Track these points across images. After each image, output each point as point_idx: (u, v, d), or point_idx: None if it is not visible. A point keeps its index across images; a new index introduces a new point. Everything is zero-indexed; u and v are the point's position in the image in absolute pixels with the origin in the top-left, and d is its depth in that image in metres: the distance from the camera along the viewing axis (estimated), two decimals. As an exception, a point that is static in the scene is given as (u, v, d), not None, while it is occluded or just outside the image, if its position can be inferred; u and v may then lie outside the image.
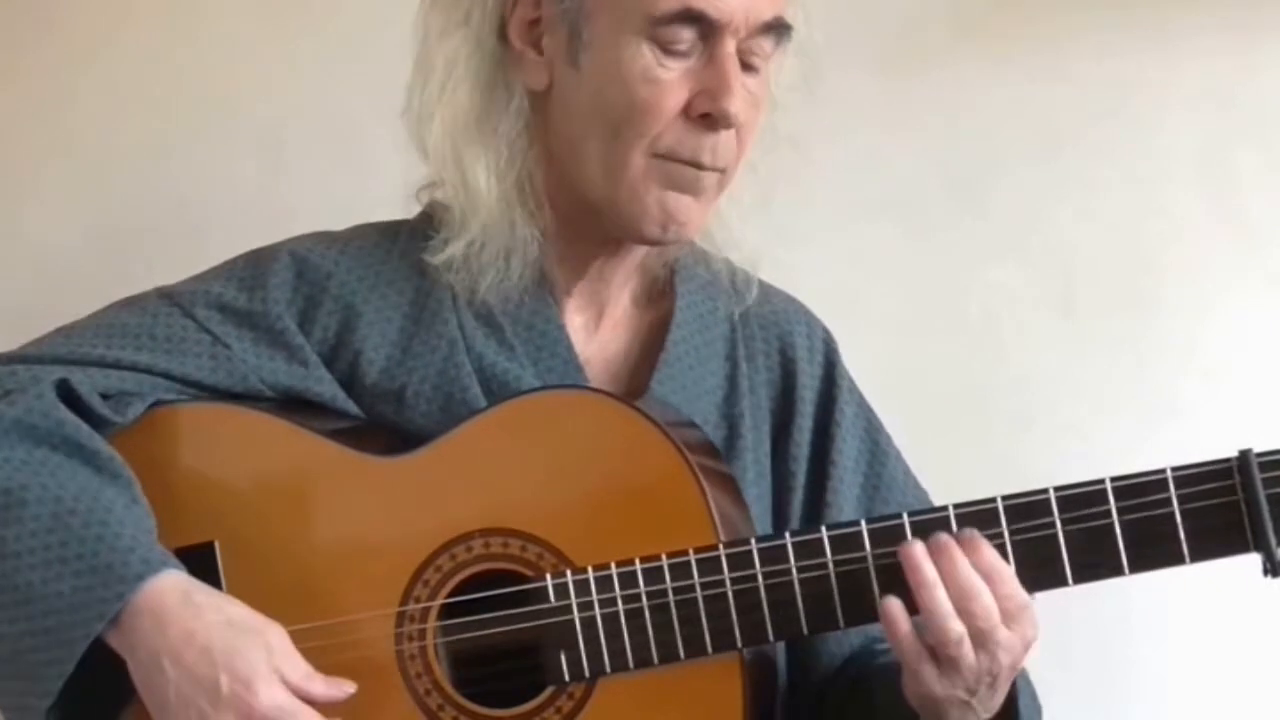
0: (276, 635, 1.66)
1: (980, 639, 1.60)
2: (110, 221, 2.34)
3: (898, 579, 1.64)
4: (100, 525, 1.65)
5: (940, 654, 1.61)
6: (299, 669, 1.65)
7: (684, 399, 1.82)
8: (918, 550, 1.62)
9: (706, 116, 1.71)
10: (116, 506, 1.67)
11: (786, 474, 1.87)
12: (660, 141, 1.72)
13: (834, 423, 1.88)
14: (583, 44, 1.73)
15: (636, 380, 1.84)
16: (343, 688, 1.67)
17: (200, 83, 2.34)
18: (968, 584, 1.60)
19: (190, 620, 1.63)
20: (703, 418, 1.83)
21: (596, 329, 1.86)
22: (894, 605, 1.62)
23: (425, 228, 1.83)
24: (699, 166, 1.73)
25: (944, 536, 1.62)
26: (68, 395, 1.73)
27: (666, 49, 1.71)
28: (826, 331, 1.94)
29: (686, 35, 1.70)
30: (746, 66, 1.73)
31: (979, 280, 2.33)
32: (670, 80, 1.71)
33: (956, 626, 1.60)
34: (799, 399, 1.88)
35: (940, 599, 1.60)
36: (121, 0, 2.36)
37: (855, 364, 1.95)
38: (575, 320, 1.84)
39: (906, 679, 1.65)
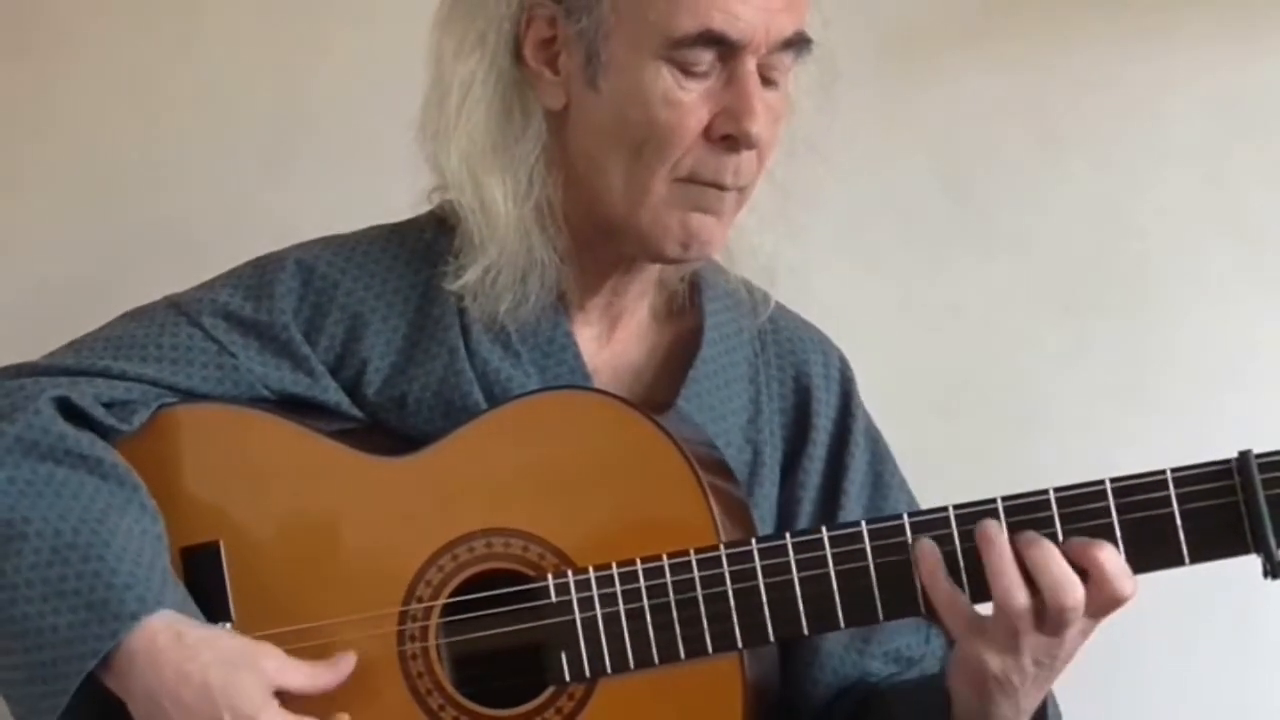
0: (270, 657, 1.67)
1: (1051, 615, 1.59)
2: (113, 228, 2.35)
3: (898, 578, 1.64)
4: (98, 560, 1.64)
5: (1005, 628, 1.60)
6: (300, 674, 1.67)
7: (710, 418, 1.81)
8: (992, 525, 1.62)
9: (728, 138, 1.70)
10: (118, 533, 1.67)
11: (793, 500, 1.86)
12: (682, 165, 1.70)
13: (848, 452, 1.88)
14: (601, 66, 1.70)
15: (659, 395, 1.82)
16: (344, 663, 1.69)
17: (204, 90, 2.35)
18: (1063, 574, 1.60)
19: (185, 661, 1.63)
20: (727, 439, 1.82)
21: (608, 341, 1.85)
22: (925, 544, 1.62)
23: (436, 233, 1.83)
24: (721, 187, 1.72)
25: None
26: (68, 410, 1.73)
27: (686, 71, 1.68)
28: (843, 359, 1.94)
29: (706, 57, 1.68)
30: (766, 81, 1.71)
31: (979, 280, 2.33)
32: (690, 102, 1.69)
33: (1021, 597, 1.59)
34: (814, 427, 1.87)
35: (1008, 560, 1.60)
36: (125, 8, 2.36)
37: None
38: (585, 332, 1.83)
39: (957, 654, 1.65)
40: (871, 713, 1.80)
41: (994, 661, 1.62)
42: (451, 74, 1.76)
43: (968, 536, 1.64)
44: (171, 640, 1.64)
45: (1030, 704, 1.66)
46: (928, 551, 1.63)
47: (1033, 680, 1.63)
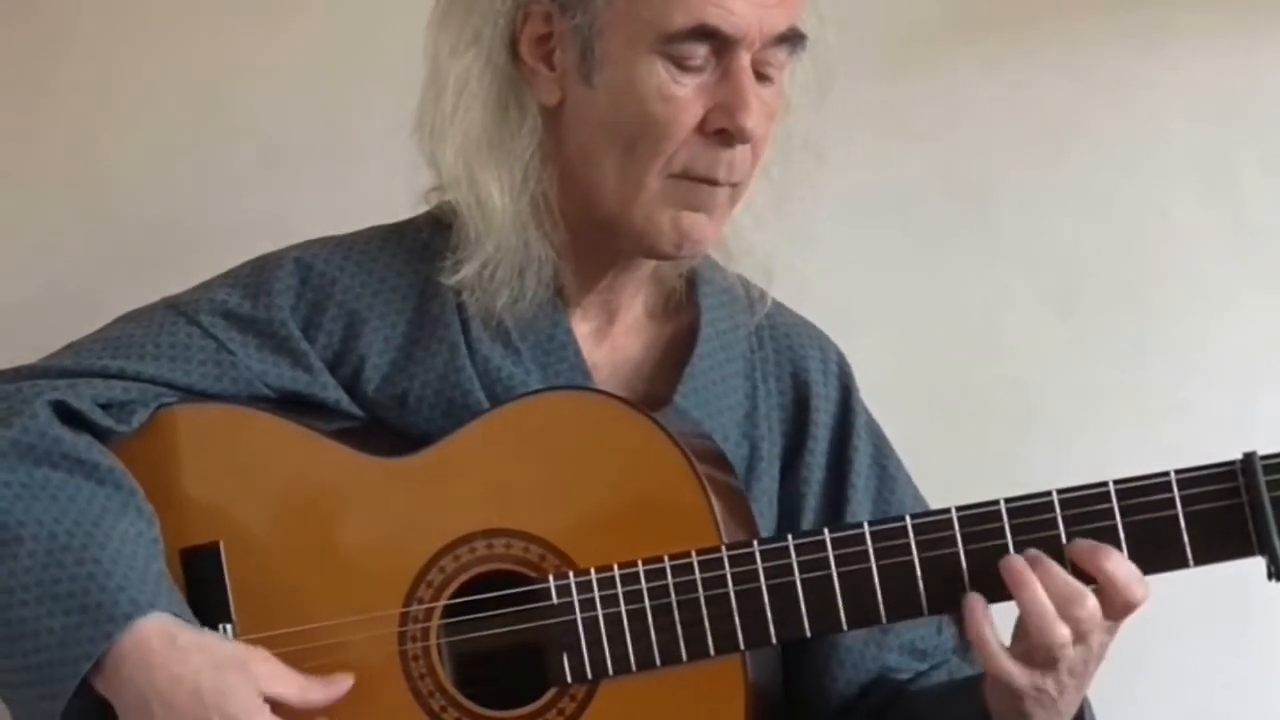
0: (262, 662, 1.67)
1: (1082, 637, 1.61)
2: (113, 229, 2.34)
3: (900, 580, 1.64)
4: (93, 563, 1.64)
5: (1043, 656, 1.61)
6: (293, 685, 1.67)
7: (707, 414, 1.81)
8: (1018, 561, 1.62)
9: (722, 132, 1.70)
10: (113, 537, 1.67)
11: (796, 496, 1.86)
12: (675, 160, 1.71)
13: (851, 447, 1.88)
14: (595, 61, 1.71)
15: (657, 391, 1.83)
16: (340, 684, 1.69)
17: (203, 90, 2.34)
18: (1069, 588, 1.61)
19: (177, 664, 1.63)
20: (723, 435, 1.82)
21: (606, 336, 1.85)
22: (974, 598, 1.63)
23: (434, 231, 1.83)
24: (714, 183, 1.72)
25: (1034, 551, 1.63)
26: (65, 414, 1.73)
27: (680, 65, 1.69)
28: (841, 355, 1.93)
29: (700, 51, 1.68)
30: (761, 77, 1.71)
31: (979, 281, 2.33)
32: (685, 97, 1.69)
33: (1063, 631, 1.60)
34: (813, 423, 1.87)
35: (1044, 601, 1.60)
36: (126, 7, 2.36)
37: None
38: (583, 328, 1.83)
39: (992, 685, 1.66)
40: (900, 716, 1.81)
41: (1032, 680, 1.63)
42: (447, 71, 1.76)
43: (970, 539, 1.64)
44: (164, 643, 1.64)
45: (1071, 708, 1.66)
46: (978, 612, 1.63)
47: (1070, 688, 1.64)
